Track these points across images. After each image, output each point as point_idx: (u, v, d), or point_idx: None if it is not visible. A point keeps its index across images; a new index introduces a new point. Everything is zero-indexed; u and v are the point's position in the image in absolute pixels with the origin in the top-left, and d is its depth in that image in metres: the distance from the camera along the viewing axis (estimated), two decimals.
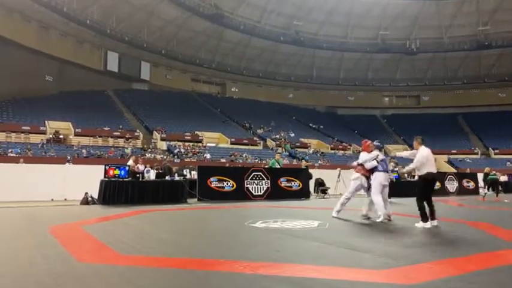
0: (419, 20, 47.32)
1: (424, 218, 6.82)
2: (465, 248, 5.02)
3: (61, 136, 28.82)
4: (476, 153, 43.40)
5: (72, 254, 4.45)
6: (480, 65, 50.14)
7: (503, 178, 22.68)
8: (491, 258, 4.37)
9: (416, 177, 18.65)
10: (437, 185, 18.29)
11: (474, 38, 47.24)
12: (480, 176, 19.48)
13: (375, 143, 8.09)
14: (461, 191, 18.97)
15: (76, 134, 29.53)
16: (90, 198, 11.20)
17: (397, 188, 16.57)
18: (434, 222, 6.87)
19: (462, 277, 3.50)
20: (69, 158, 23.50)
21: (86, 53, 38.39)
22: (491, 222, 7.71)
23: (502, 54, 47.97)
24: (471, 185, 19.77)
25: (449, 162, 41.96)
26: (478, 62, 49.87)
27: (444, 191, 18.27)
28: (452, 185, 18.95)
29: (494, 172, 18.02)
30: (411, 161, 7.22)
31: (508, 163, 39.35)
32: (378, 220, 7.37)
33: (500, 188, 16.23)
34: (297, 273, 3.65)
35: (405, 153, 8.04)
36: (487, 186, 16.47)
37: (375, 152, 7.83)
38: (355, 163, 8.09)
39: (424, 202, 6.91)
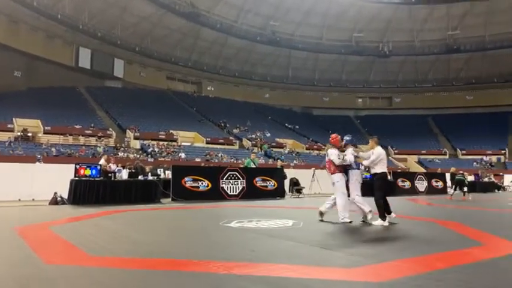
0: (392, 24, 48.46)
1: (383, 216, 6.96)
2: (434, 246, 5.17)
3: (29, 134, 27.91)
4: (445, 154, 44.87)
5: (40, 255, 4.31)
6: (449, 69, 51.83)
7: (470, 178, 23.54)
8: (458, 256, 4.51)
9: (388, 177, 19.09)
10: (408, 184, 18.85)
11: (444, 42, 48.83)
12: (448, 176, 20.12)
13: (346, 137, 7.78)
14: (431, 190, 19.54)
15: (45, 132, 28.66)
16: (59, 198, 10.88)
17: (369, 188, 16.93)
18: (393, 215, 7.08)
19: (430, 274, 3.61)
20: (39, 156, 22.78)
21: (56, 49, 37.29)
22: (459, 221, 7.97)
23: (470, 58, 49.76)
24: (440, 184, 20.39)
25: (419, 162, 43.23)
26: (447, 66, 51.54)
27: (414, 191, 18.77)
28: (421, 185, 19.49)
29: (461, 172, 18.66)
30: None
31: (475, 163, 40.86)
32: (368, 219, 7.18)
33: (465, 189, 16.80)
34: (271, 272, 3.66)
35: (361, 154, 7.69)
36: (454, 186, 17.04)
37: (350, 150, 7.53)
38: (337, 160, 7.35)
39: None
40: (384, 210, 6.98)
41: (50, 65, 36.29)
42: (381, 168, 7.09)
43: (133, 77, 43.95)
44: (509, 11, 44.06)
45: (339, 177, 7.39)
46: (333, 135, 7.90)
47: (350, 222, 7.14)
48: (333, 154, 7.38)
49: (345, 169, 7.45)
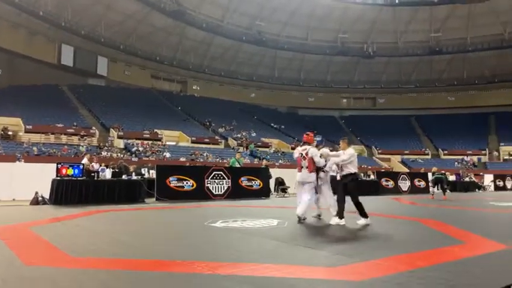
0: (377, 25, 49.01)
1: (364, 214, 7.05)
2: (416, 245, 5.25)
3: (10, 132, 27.30)
4: (427, 154, 45.65)
5: (20, 256, 4.22)
6: (432, 70, 52.71)
7: (452, 178, 24.01)
8: (440, 254, 4.59)
9: (371, 177, 19.32)
10: (391, 183, 19.10)
11: (427, 44, 49.65)
12: (430, 176, 20.47)
13: (316, 138, 8.13)
14: (414, 189, 19.86)
15: (26, 131, 28.08)
16: (40, 198, 10.67)
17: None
18: (367, 221, 7.08)
19: (412, 273, 3.66)
20: (19, 155, 22.29)
21: (38, 46, 36.53)
22: (441, 219, 8.12)
23: (452, 60, 50.72)
24: (422, 184, 20.74)
25: (403, 162, 43.87)
26: (430, 67, 52.41)
27: (397, 190, 19.05)
28: (405, 184, 19.79)
29: (443, 172, 18.99)
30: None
31: (456, 163, 41.68)
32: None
33: (446, 187, 17.11)
34: (256, 272, 3.66)
35: (331, 154, 7.61)
36: (433, 185, 17.37)
37: (326, 150, 7.59)
38: (317, 159, 7.33)
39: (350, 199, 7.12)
40: (363, 208, 7.05)
41: (31, 62, 35.56)
42: (354, 168, 7.17)
43: (118, 76, 43.40)
44: (489, 14, 45.08)
45: (314, 177, 7.45)
46: (310, 133, 7.90)
47: (304, 219, 7.33)
48: (315, 153, 7.37)
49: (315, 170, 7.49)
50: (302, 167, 7.38)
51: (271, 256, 4.46)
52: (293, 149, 40.38)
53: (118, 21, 40.57)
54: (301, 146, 7.68)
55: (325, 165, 7.59)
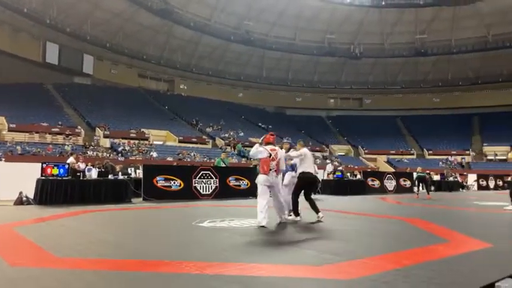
0: (364, 26, 49.49)
1: (296, 213, 7.30)
2: (401, 244, 5.33)
3: None
4: (413, 154, 46.25)
5: (4, 257, 4.14)
6: (417, 71, 53.46)
7: (436, 177, 24.38)
8: (425, 253, 4.66)
9: (358, 177, 19.52)
10: (377, 183, 19.29)
11: (412, 45, 50.33)
12: (415, 175, 20.75)
13: (286, 140, 8.08)
14: (399, 189, 20.10)
15: (10, 130, 27.60)
16: (25, 198, 10.48)
17: (341, 187, 17.26)
18: (321, 214, 7.31)
19: (397, 271, 3.71)
20: (0, 154, 21.87)
21: (23, 43, 35.92)
22: (426, 218, 8.24)
23: (437, 61, 51.52)
24: (408, 183, 21.00)
25: (388, 162, 44.40)
26: (415, 68, 53.14)
27: (383, 189, 19.26)
28: (390, 184, 20.01)
29: (428, 172, 19.26)
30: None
31: (440, 163, 42.34)
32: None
33: (430, 186, 17.37)
34: (244, 272, 3.67)
35: (292, 154, 7.62)
36: (417, 184, 17.63)
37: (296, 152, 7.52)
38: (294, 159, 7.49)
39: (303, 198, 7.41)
40: (297, 207, 7.32)
41: (15, 60, 34.92)
42: (304, 168, 7.36)
43: (104, 74, 42.93)
44: (473, 17, 45.97)
45: (280, 180, 7.44)
46: (272, 133, 7.47)
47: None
48: (283, 155, 7.21)
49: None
50: (271, 169, 6.75)
51: (259, 256, 4.46)
52: (281, 149, 40.69)
53: (104, 19, 40.12)
54: (263, 145, 7.01)
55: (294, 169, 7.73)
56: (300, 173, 7.36)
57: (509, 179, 12.14)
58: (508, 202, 10.92)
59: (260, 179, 6.77)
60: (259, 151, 6.80)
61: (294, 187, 7.49)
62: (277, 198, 7.00)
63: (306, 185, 7.43)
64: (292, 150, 7.74)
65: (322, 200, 12.42)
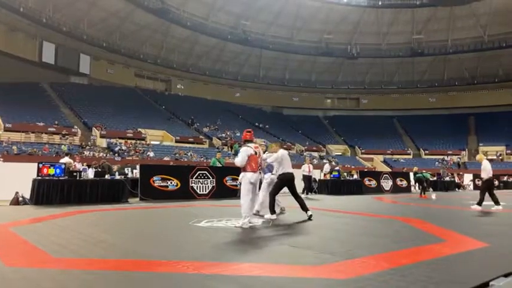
0: (360, 26, 49.59)
1: (272, 211, 7.39)
2: (399, 243, 5.34)
3: None
4: (409, 154, 46.38)
5: (0, 257, 4.12)
6: (413, 71, 53.61)
7: (432, 177, 24.43)
8: (422, 252, 4.68)
9: (355, 177, 19.56)
10: (374, 183, 19.34)
11: (409, 45, 50.46)
12: (412, 175, 20.82)
13: (263, 142, 8.40)
14: (396, 189, 20.16)
15: (6, 129, 27.46)
16: (21, 198, 10.44)
17: (337, 186, 17.30)
18: (310, 212, 7.54)
19: (395, 270, 3.72)
20: None
21: (19, 43, 35.71)
22: (423, 218, 8.27)
23: (433, 61, 51.68)
24: (404, 183, 21.08)
25: (385, 162, 44.50)
26: (412, 69, 53.28)
27: (380, 189, 19.32)
28: (387, 184, 20.07)
29: (425, 171, 19.31)
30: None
31: (437, 163, 42.48)
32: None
33: (426, 186, 17.44)
34: (241, 271, 3.67)
35: (266, 156, 7.76)
36: (416, 184, 17.68)
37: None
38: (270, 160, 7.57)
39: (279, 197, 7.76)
40: (273, 206, 7.45)
41: (11, 59, 34.70)
42: (282, 169, 7.54)
43: (100, 74, 42.77)
44: (470, 17, 46.17)
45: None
46: (250, 130, 7.40)
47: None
48: (265, 155, 7.62)
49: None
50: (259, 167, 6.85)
51: (256, 255, 4.47)
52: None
53: (101, 18, 39.99)
54: (244, 144, 7.01)
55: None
56: (281, 174, 7.52)
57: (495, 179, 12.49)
58: (504, 202, 11.01)
59: (248, 176, 6.65)
60: (246, 153, 6.63)
61: (273, 187, 7.67)
62: (255, 197, 7.12)
63: (286, 183, 7.57)
64: (267, 153, 7.90)
65: (315, 199, 12.44)
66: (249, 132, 7.25)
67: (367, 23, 49.09)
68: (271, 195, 7.52)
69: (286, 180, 7.51)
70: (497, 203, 10.46)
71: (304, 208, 7.57)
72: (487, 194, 10.54)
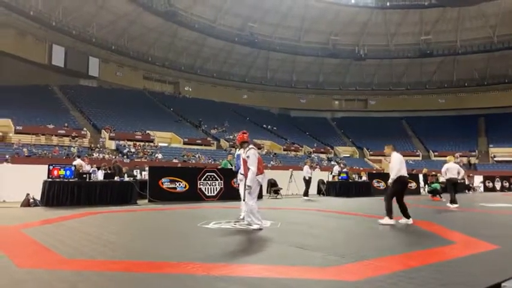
0: (368, 28, 49.39)
1: (391, 215, 7.43)
2: (408, 245, 5.31)
3: (0, 134, 26.98)
4: (418, 156, 45.99)
5: (12, 259, 4.18)
6: (422, 72, 53.22)
7: (442, 179, 24.17)
8: (432, 254, 4.65)
9: (363, 178, 19.46)
10: (383, 184, 19.21)
11: (417, 46, 50.12)
12: (421, 177, 20.63)
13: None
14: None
15: (17, 132, 27.78)
16: (32, 200, 10.57)
17: (346, 188, 17.22)
18: (411, 220, 7.59)
19: (404, 272, 3.71)
20: (7, 157, 22.02)
21: (28, 46, 36.18)
22: (432, 220, 8.20)
23: (442, 62, 51.28)
24: (413, 185, 20.89)
25: None
26: (420, 70, 52.90)
27: None
28: None
29: (436, 175, 19.07)
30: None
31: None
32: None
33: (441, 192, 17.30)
34: (249, 273, 3.68)
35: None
36: (425, 186, 17.51)
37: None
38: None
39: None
40: (391, 208, 7.49)
41: (21, 62, 35.17)
42: (400, 172, 7.52)
43: (109, 76, 43.15)
44: (478, 17, 45.75)
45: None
46: (245, 131, 7.18)
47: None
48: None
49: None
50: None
51: (265, 257, 4.47)
52: (285, 150, 40.80)
53: (110, 21, 40.35)
54: (246, 146, 6.86)
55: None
56: (400, 177, 7.55)
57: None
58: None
59: (260, 179, 6.60)
60: (255, 157, 6.46)
61: (391, 191, 7.73)
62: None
63: (403, 186, 7.74)
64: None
65: (321, 201, 12.40)
66: (245, 133, 7.09)
67: (375, 24, 48.89)
68: (389, 198, 7.49)
69: (404, 184, 7.52)
70: (453, 202, 11.59)
71: (406, 214, 7.52)
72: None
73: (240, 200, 6.81)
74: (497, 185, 26.31)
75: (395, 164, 7.45)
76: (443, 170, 12.08)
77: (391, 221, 7.29)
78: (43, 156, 24.31)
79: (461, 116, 50.82)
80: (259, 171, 6.62)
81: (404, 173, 7.50)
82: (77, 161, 12.67)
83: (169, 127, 37.56)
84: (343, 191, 16.93)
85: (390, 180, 7.56)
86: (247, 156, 6.54)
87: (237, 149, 8.46)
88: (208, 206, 11.16)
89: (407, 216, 7.53)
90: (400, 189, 7.57)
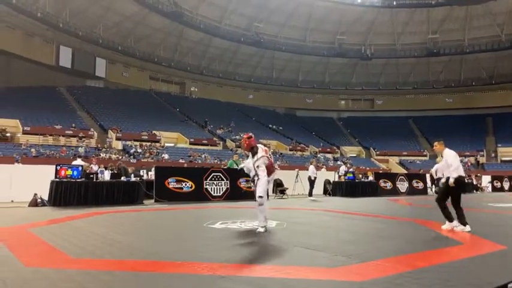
0: (374, 27, 49.15)
1: (452, 219, 6.76)
2: (415, 246, 5.28)
3: (8, 134, 27.27)
4: (425, 155, 45.68)
5: (19, 258, 4.22)
6: (429, 72, 52.85)
7: (443, 180, 23.96)
8: (438, 255, 4.62)
9: (370, 178, 19.37)
10: (390, 184, 19.11)
11: (424, 45, 49.77)
12: (428, 177, 20.49)
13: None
14: (412, 191, 19.87)
15: (24, 132, 28.04)
16: (39, 200, 10.65)
17: (352, 188, 17.16)
18: (468, 227, 6.72)
19: (411, 273, 3.68)
20: (17, 157, 22.26)
21: (36, 47, 36.50)
22: (440, 220, 8.13)
23: (449, 61, 50.86)
24: (420, 185, 20.76)
25: (401, 163, 43.92)
26: (427, 69, 52.52)
27: (395, 191, 19.08)
28: (403, 186, 19.80)
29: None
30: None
31: None
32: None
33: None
34: (255, 273, 3.68)
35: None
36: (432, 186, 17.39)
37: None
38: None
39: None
40: (449, 212, 6.83)
41: (29, 63, 35.48)
42: (458, 171, 6.70)
43: (116, 77, 43.39)
44: (486, 16, 45.34)
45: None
46: (251, 135, 6.93)
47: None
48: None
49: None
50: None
51: (271, 257, 4.47)
52: (291, 150, 40.75)
53: (116, 22, 40.58)
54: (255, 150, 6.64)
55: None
56: (459, 177, 6.86)
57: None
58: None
59: (269, 179, 6.55)
60: (264, 162, 6.31)
61: (446, 193, 6.87)
62: None
63: (462, 188, 7.12)
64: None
65: (326, 201, 12.37)
66: (250, 137, 6.76)
67: (382, 23, 48.65)
68: (442, 201, 6.69)
69: (463, 185, 6.70)
70: None
71: (463, 221, 6.49)
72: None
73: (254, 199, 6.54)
74: (506, 185, 26.06)
75: (454, 161, 6.53)
76: (433, 170, 11.20)
77: (454, 224, 6.59)
78: (50, 157, 24.51)
79: (469, 116, 50.37)
80: (270, 174, 6.51)
81: (462, 172, 6.59)
82: (77, 161, 12.74)
83: (176, 127, 37.68)
84: (349, 191, 16.86)
85: (452, 180, 6.44)
86: (257, 166, 6.30)
87: (243, 159, 8.19)
88: (214, 206, 11.18)
89: (464, 223, 6.52)
90: (457, 192, 6.60)
